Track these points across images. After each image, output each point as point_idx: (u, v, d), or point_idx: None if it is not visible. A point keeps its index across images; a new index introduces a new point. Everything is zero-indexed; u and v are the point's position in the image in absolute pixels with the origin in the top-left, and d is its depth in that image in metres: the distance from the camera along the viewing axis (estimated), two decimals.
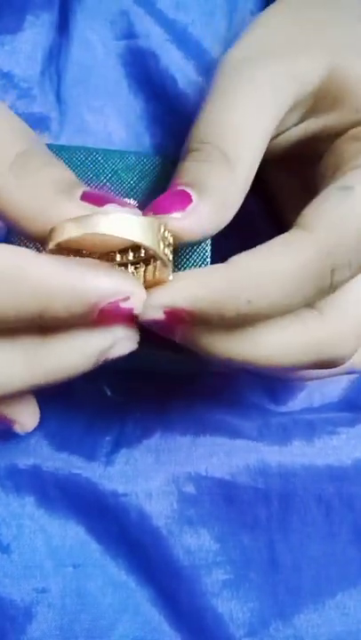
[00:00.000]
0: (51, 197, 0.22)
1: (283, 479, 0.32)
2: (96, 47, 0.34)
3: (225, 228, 0.25)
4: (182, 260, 0.27)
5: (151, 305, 0.23)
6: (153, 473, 0.32)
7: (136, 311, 0.22)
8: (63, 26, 0.34)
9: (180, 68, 0.34)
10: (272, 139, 0.27)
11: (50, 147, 0.29)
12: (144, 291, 0.23)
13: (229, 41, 0.34)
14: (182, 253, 0.27)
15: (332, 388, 0.36)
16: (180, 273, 0.23)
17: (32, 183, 0.22)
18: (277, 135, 0.28)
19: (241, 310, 0.22)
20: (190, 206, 0.23)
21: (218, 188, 0.24)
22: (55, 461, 0.32)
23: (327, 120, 0.29)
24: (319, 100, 0.28)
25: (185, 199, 0.23)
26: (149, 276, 0.23)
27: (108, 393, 0.34)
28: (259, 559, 0.32)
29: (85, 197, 0.22)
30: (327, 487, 0.33)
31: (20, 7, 0.33)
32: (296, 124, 0.29)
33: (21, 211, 0.22)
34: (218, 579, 0.32)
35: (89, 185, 0.23)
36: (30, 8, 0.34)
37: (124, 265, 0.23)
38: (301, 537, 0.32)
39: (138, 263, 0.24)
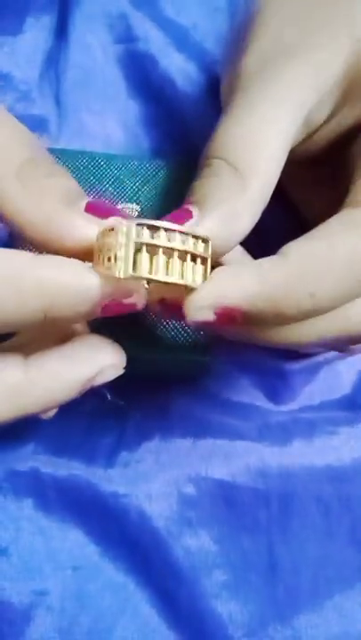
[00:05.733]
0: (56, 207, 0.22)
1: (283, 480, 0.32)
2: (95, 50, 0.34)
3: None
4: None
5: (199, 305, 0.21)
6: (153, 474, 0.32)
7: (139, 307, 0.22)
8: (62, 29, 0.34)
9: (180, 70, 0.34)
10: (304, 141, 0.26)
11: (53, 151, 0.29)
12: (145, 286, 0.22)
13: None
14: None
15: (333, 385, 0.36)
16: (230, 267, 0.22)
17: (38, 191, 0.22)
18: (310, 136, 0.27)
19: (303, 306, 0.21)
20: (190, 221, 0.22)
21: (223, 200, 0.23)
22: (54, 464, 0.32)
23: None
24: (349, 89, 0.26)
25: (186, 215, 0.22)
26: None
27: (108, 396, 0.34)
28: (258, 560, 0.32)
29: (89, 209, 0.22)
30: (326, 488, 0.33)
31: (21, 9, 0.33)
32: (328, 121, 0.27)
33: (27, 218, 0.22)
34: (217, 580, 0.32)
35: (92, 191, 0.23)
36: (31, 10, 0.34)
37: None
38: (300, 538, 0.32)
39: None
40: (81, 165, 0.29)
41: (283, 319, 0.21)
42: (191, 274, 0.21)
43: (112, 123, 0.34)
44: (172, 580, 0.31)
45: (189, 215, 0.22)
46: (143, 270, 0.21)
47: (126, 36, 0.35)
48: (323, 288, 0.21)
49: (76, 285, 0.21)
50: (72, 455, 0.32)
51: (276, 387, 0.35)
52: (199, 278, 0.21)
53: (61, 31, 0.34)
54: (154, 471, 0.32)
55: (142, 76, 0.35)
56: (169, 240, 0.21)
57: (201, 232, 0.22)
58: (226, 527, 0.32)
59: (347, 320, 0.24)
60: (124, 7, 0.35)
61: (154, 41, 0.34)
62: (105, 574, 0.32)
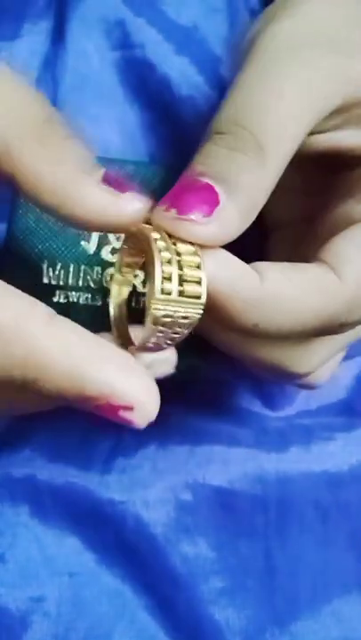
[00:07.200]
0: (74, 173, 0.21)
1: (280, 486, 0.32)
2: (92, 56, 0.34)
3: None
4: None
5: None
6: (150, 481, 0.32)
7: (137, 426, 0.20)
8: (59, 34, 0.34)
9: (179, 74, 0.34)
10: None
11: None
12: (155, 408, 0.20)
13: (232, 42, 0.34)
14: None
15: (330, 389, 0.36)
16: (225, 258, 0.21)
17: (57, 154, 0.21)
18: (308, 135, 0.25)
19: (243, 328, 0.22)
20: (217, 209, 0.21)
21: (249, 186, 0.21)
22: (51, 470, 0.32)
23: None
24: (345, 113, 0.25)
25: (212, 198, 0.21)
26: None
27: None
28: (256, 567, 0.32)
29: (106, 180, 0.21)
30: (324, 494, 0.33)
31: (18, 14, 0.33)
32: (334, 131, 0.26)
33: (43, 182, 0.21)
34: (215, 586, 0.32)
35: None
36: (28, 15, 0.33)
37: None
38: (298, 544, 0.32)
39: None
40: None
41: (224, 322, 0.22)
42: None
43: (109, 128, 0.34)
44: (169, 587, 0.31)
45: (216, 199, 0.21)
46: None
47: (123, 42, 0.34)
48: (267, 325, 0.22)
49: (68, 370, 0.19)
50: (68, 461, 0.32)
51: (272, 392, 0.35)
52: None
53: (58, 36, 0.34)
54: (151, 478, 0.32)
55: (140, 81, 0.34)
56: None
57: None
58: (223, 533, 0.32)
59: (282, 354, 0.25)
60: (122, 12, 0.34)
61: (152, 46, 0.34)
62: (102, 581, 0.32)
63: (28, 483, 0.32)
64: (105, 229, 0.22)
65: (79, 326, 0.20)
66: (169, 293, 0.20)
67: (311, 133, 0.25)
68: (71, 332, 0.19)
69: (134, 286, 0.29)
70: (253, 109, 0.22)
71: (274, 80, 0.23)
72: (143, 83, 0.34)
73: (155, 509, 0.32)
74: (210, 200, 0.21)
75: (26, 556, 0.31)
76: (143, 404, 0.19)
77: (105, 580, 0.32)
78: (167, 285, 0.20)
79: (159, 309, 0.20)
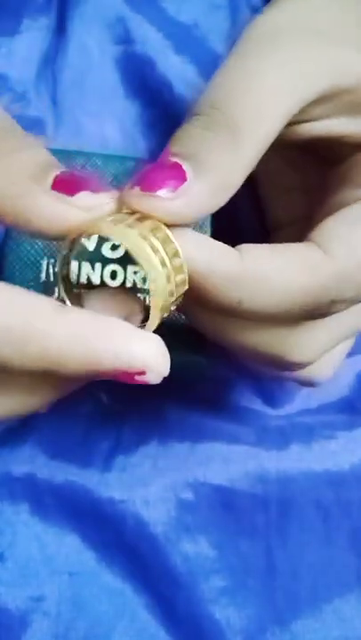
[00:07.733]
0: (23, 184, 0.20)
1: (281, 485, 0.32)
2: (92, 52, 0.34)
3: None
4: None
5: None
6: (150, 480, 0.32)
7: (153, 382, 0.20)
8: (60, 29, 0.34)
9: (177, 73, 0.34)
10: (288, 124, 0.24)
11: (49, 151, 0.29)
12: (166, 364, 0.20)
13: (234, 39, 0.34)
14: None
15: (331, 387, 0.36)
16: (195, 236, 0.21)
17: (6, 168, 0.21)
18: (296, 123, 0.25)
19: (226, 306, 0.22)
20: (183, 186, 0.20)
21: (219, 165, 0.21)
22: (51, 469, 0.32)
23: None
24: (359, 100, 0.25)
25: (178, 175, 0.21)
26: None
27: (105, 400, 0.34)
28: (256, 565, 0.32)
29: (57, 185, 0.20)
30: (325, 493, 0.33)
31: (18, 10, 0.33)
32: (323, 119, 0.25)
33: None
34: (215, 585, 0.31)
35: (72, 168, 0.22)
36: (28, 11, 0.33)
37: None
38: (299, 543, 0.32)
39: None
40: (78, 165, 0.29)
41: (207, 303, 0.22)
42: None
43: (109, 124, 0.34)
44: (170, 586, 0.31)
45: (183, 175, 0.21)
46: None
47: (124, 38, 0.34)
48: (250, 302, 0.21)
49: (82, 353, 0.19)
50: (68, 459, 0.32)
51: (273, 390, 0.35)
52: None
53: (59, 32, 0.34)
54: (151, 476, 0.32)
55: (140, 78, 0.34)
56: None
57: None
58: (224, 532, 0.32)
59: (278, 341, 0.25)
60: (123, 9, 0.34)
61: (152, 43, 0.34)
62: (102, 580, 0.31)
63: (28, 481, 0.32)
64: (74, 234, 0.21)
65: (81, 310, 0.20)
66: (171, 295, 0.21)
67: (300, 122, 0.25)
68: (77, 320, 0.20)
69: (135, 282, 0.29)
70: (230, 91, 0.22)
71: (253, 63, 0.23)
72: (143, 80, 0.34)
73: (155, 508, 0.32)
74: (176, 177, 0.21)
75: (26, 555, 0.31)
76: (155, 366, 0.20)
77: (105, 578, 0.31)
78: (170, 287, 0.21)
79: (165, 311, 0.21)
